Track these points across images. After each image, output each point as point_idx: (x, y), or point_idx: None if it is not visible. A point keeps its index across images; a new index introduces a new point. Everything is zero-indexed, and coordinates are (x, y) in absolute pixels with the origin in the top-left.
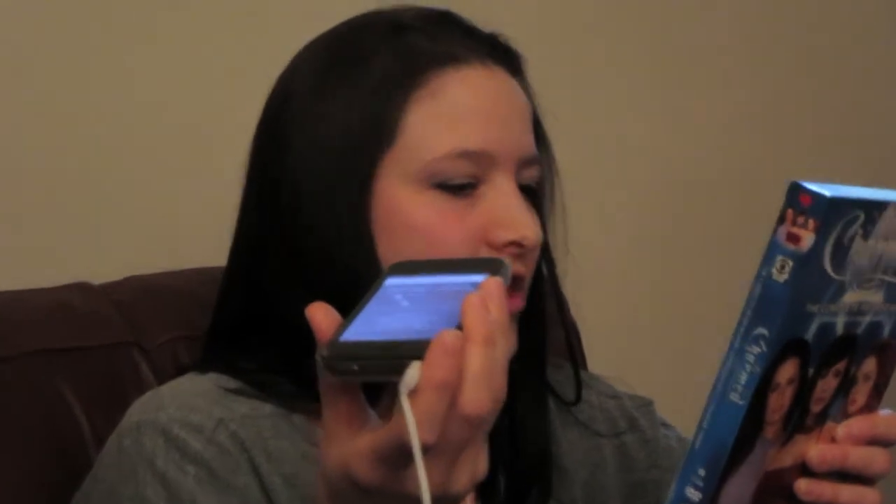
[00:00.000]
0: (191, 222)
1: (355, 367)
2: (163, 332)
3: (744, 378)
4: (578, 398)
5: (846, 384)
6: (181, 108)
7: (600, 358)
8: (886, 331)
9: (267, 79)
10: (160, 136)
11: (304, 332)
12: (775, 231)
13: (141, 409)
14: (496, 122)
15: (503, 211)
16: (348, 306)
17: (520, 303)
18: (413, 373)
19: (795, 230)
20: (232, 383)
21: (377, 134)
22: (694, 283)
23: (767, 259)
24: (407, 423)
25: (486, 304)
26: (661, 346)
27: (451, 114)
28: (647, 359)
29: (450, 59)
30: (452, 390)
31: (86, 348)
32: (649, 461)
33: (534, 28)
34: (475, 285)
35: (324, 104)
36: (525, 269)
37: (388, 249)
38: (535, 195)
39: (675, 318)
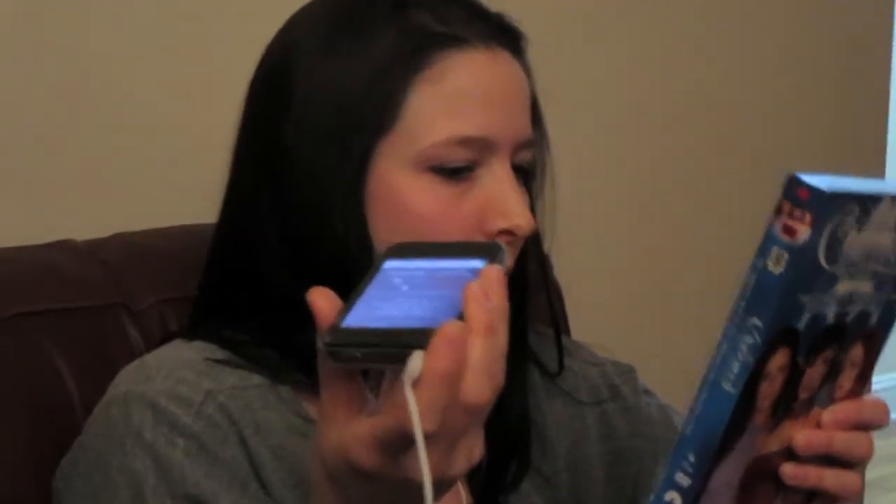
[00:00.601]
0: (176, 178)
1: (358, 355)
2: (150, 294)
3: (736, 367)
4: (561, 367)
5: (833, 371)
6: (167, 62)
7: (584, 326)
8: (874, 319)
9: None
10: (145, 89)
11: (293, 304)
12: (771, 222)
13: (129, 379)
14: (497, 108)
15: (498, 198)
16: (339, 282)
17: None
18: (416, 362)
19: (792, 223)
20: (219, 353)
21: (378, 113)
22: (680, 253)
23: (762, 250)
24: (410, 412)
25: (486, 292)
26: (646, 316)
27: (453, 98)
28: (630, 327)
29: (455, 42)
30: (455, 380)
31: (73, 310)
32: (630, 429)
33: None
34: (474, 271)
35: (326, 75)
36: (513, 255)
37: (381, 230)
38: (527, 175)
39: (660, 289)
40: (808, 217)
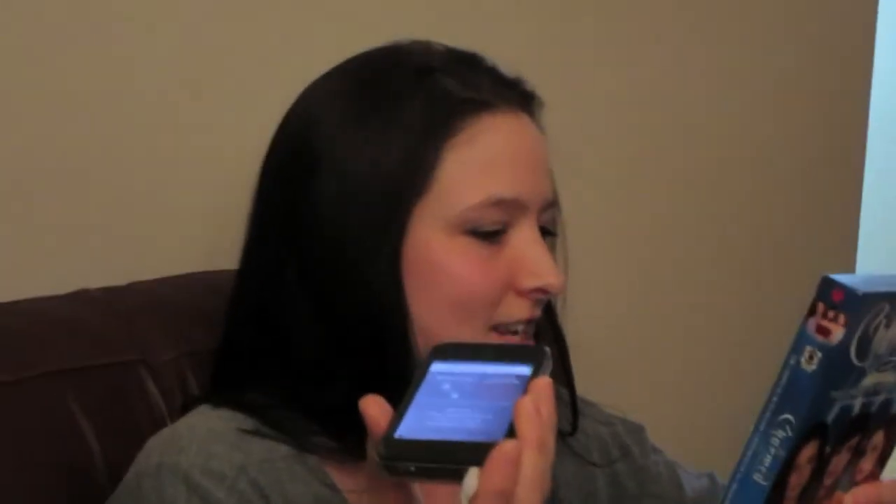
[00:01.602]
0: (186, 226)
1: (413, 469)
2: (168, 349)
3: (768, 460)
4: (574, 429)
5: (856, 456)
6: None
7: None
8: (895, 406)
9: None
10: (158, 135)
11: (320, 369)
12: (805, 321)
13: (160, 450)
14: (526, 170)
15: (530, 259)
16: (372, 347)
17: (531, 342)
18: (472, 481)
19: (826, 323)
20: (247, 422)
21: (412, 180)
22: (682, 287)
23: (796, 348)
24: None
25: (538, 408)
26: (649, 356)
27: (485, 161)
28: (637, 371)
29: (483, 107)
30: (508, 496)
31: (94, 367)
32: (640, 489)
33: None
34: (521, 378)
35: (357, 148)
36: (540, 311)
37: (417, 294)
38: (550, 234)
39: (663, 328)
40: (842, 318)
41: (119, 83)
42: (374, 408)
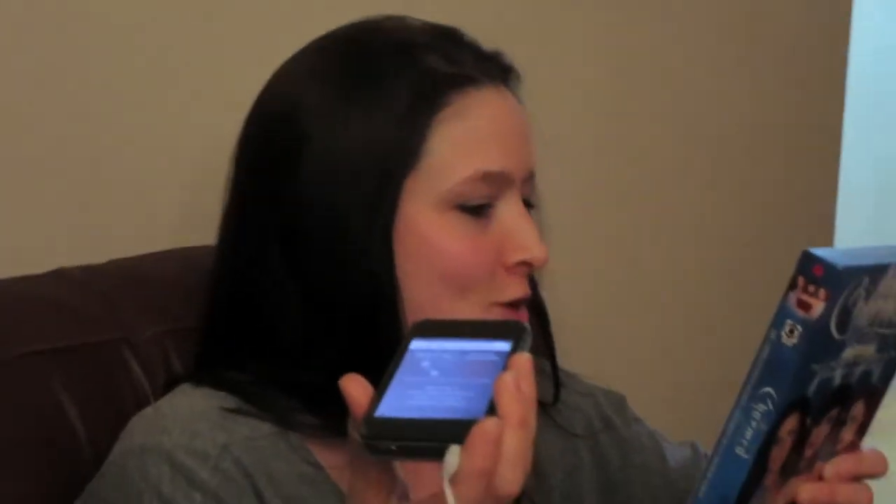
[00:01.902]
0: (163, 202)
1: (394, 448)
2: (150, 326)
3: (749, 434)
4: (556, 399)
5: (837, 427)
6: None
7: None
8: (875, 376)
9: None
10: (133, 113)
11: (303, 347)
12: (786, 296)
13: (144, 430)
14: (511, 142)
15: (515, 232)
16: (362, 328)
17: (526, 317)
18: (453, 458)
19: (806, 298)
20: (230, 401)
21: (402, 156)
22: (662, 260)
23: (777, 322)
24: None
25: (518, 384)
26: (629, 328)
27: (473, 136)
28: (617, 348)
29: (468, 82)
30: (490, 474)
31: (76, 347)
32: (622, 460)
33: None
34: (500, 354)
35: (342, 125)
36: (526, 283)
37: (408, 269)
38: (532, 206)
39: (643, 301)
40: (822, 293)
41: (92, 61)
42: (355, 387)
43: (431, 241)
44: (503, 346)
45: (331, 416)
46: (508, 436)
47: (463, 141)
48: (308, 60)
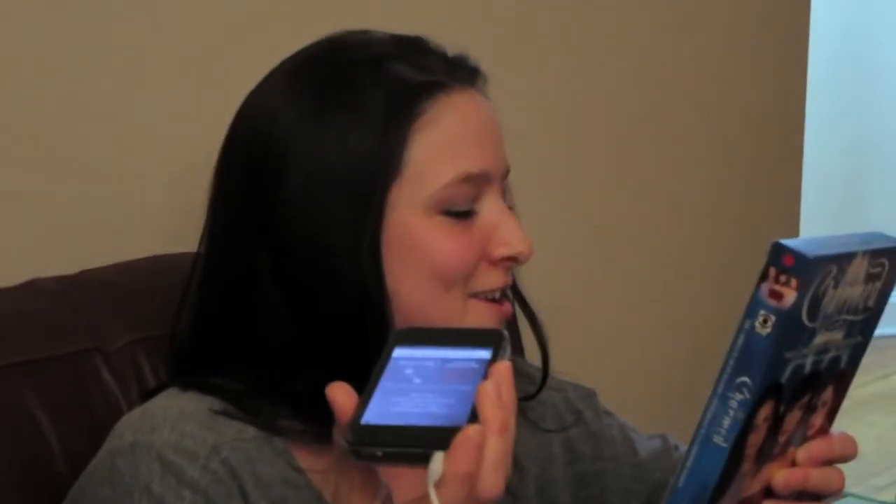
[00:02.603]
0: (134, 212)
1: (379, 454)
2: (122, 335)
3: (727, 422)
4: (540, 389)
5: (808, 412)
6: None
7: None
8: (843, 361)
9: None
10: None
11: (293, 359)
12: (758, 287)
13: (133, 428)
14: (487, 143)
15: (499, 228)
16: (353, 337)
17: (510, 308)
18: (438, 464)
19: (778, 288)
20: (217, 404)
21: (384, 167)
22: (634, 254)
23: (750, 312)
24: None
25: (499, 392)
26: (601, 321)
27: (450, 140)
28: (593, 342)
29: (439, 88)
30: (473, 478)
31: (50, 359)
32: (594, 453)
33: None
34: (481, 362)
35: (320, 142)
36: (511, 278)
37: (398, 273)
38: (510, 207)
39: (613, 294)
40: (793, 282)
41: (70, 69)
42: (340, 394)
43: (421, 244)
44: (483, 353)
45: (315, 422)
46: (491, 441)
47: (441, 146)
48: (280, 82)
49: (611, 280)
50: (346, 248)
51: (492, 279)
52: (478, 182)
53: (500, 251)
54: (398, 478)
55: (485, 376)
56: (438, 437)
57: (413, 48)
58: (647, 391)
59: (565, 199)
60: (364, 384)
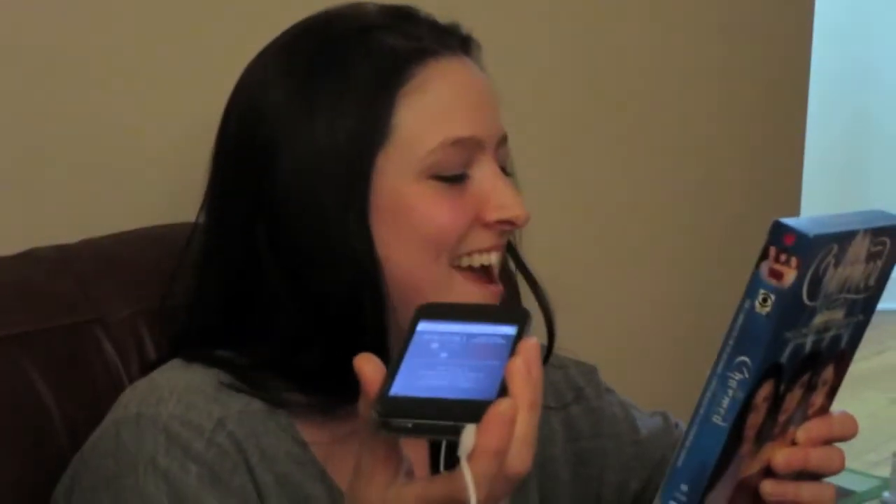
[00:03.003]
0: (134, 181)
1: (409, 426)
2: (123, 306)
3: (726, 402)
4: (546, 361)
5: (808, 392)
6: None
7: None
8: (844, 340)
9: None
10: (106, 92)
11: (295, 333)
12: (758, 266)
13: (139, 400)
14: (477, 108)
15: (492, 192)
16: (347, 307)
17: (501, 290)
18: (470, 437)
19: (778, 267)
20: (223, 376)
21: (370, 134)
22: (637, 229)
23: (750, 292)
24: (466, 485)
25: (529, 368)
26: (603, 297)
27: (438, 105)
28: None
29: (428, 54)
30: (504, 454)
31: (49, 329)
32: (594, 430)
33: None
34: (507, 338)
35: (310, 113)
36: (504, 241)
37: (388, 239)
38: (507, 173)
39: (615, 269)
40: (794, 261)
41: (68, 40)
42: (368, 366)
43: (411, 208)
44: (508, 329)
45: (320, 395)
46: (521, 417)
47: (429, 111)
48: (271, 57)
49: (611, 256)
50: (337, 217)
51: (482, 239)
52: (468, 147)
53: (494, 214)
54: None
55: (512, 352)
56: (470, 410)
57: (402, 17)
58: (648, 367)
59: (566, 176)
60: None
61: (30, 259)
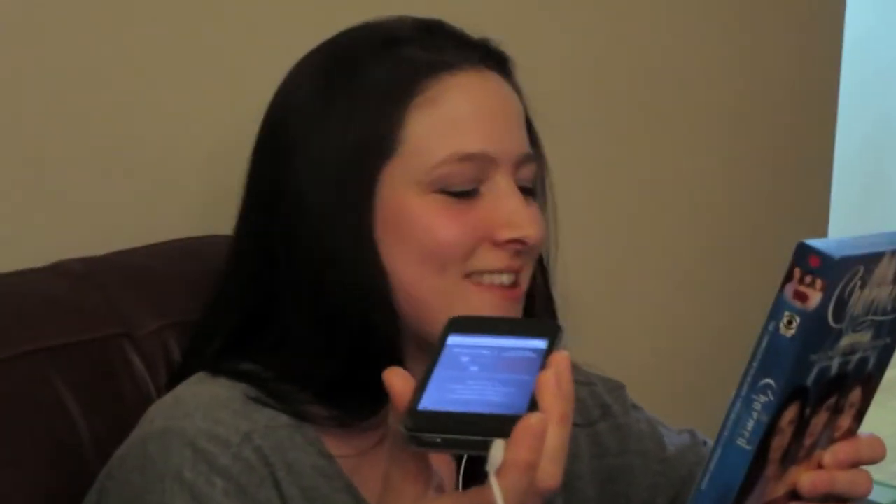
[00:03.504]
0: (162, 193)
1: (439, 441)
2: (151, 320)
3: (751, 425)
4: None
5: (834, 415)
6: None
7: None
8: (871, 363)
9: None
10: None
11: (313, 343)
12: (782, 288)
13: (165, 414)
14: (493, 124)
15: (505, 210)
16: (357, 317)
17: (519, 291)
18: (499, 452)
19: (803, 289)
20: (250, 390)
21: (379, 144)
22: (663, 259)
23: (774, 314)
24: (496, 500)
25: (559, 382)
26: (637, 320)
27: (449, 119)
28: (619, 337)
29: (444, 67)
30: (534, 468)
31: (79, 343)
32: (621, 447)
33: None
34: (538, 352)
35: (324, 119)
36: (523, 263)
37: (393, 252)
38: (533, 194)
39: (643, 294)
40: (819, 283)
41: (97, 46)
42: (397, 380)
43: (414, 220)
44: (539, 343)
45: (343, 408)
46: (551, 431)
47: (439, 124)
48: (306, 60)
49: (636, 270)
50: (345, 228)
51: (491, 259)
52: (479, 163)
53: (504, 233)
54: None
55: (542, 366)
56: (499, 425)
57: (428, 30)
58: (674, 385)
59: (589, 192)
60: (384, 366)
61: (57, 272)
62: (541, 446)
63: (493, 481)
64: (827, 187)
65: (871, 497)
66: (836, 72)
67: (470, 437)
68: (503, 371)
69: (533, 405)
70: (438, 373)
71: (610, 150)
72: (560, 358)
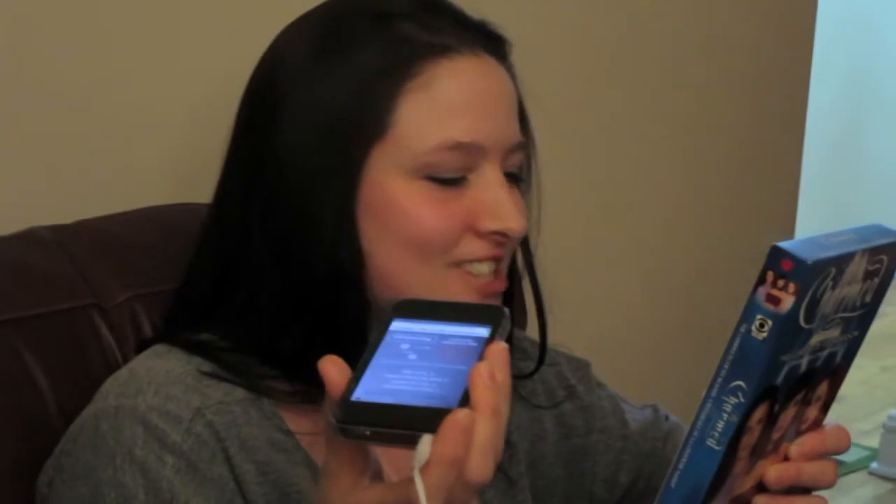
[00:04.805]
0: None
1: (367, 433)
2: (120, 291)
3: (721, 426)
4: (535, 371)
5: (802, 408)
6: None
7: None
8: (839, 357)
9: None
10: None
11: (278, 314)
12: (755, 290)
13: (118, 391)
14: (486, 114)
15: (491, 202)
16: (327, 293)
17: (502, 285)
18: (425, 448)
19: (776, 293)
20: (204, 364)
21: (368, 124)
22: (639, 237)
23: (746, 316)
24: (418, 496)
25: (493, 374)
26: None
27: (443, 106)
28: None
29: (442, 50)
30: (461, 462)
31: (47, 314)
32: (586, 427)
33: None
34: (479, 341)
35: (314, 89)
36: (505, 252)
37: (373, 236)
38: (518, 180)
39: (619, 274)
40: (791, 287)
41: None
42: (332, 368)
43: (397, 206)
44: (482, 331)
45: (305, 384)
46: (480, 425)
47: (431, 111)
48: (296, 26)
49: (606, 252)
50: (324, 204)
51: (474, 249)
52: (469, 152)
53: (488, 224)
54: (387, 451)
55: (480, 356)
56: (427, 419)
57: (427, 8)
58: (639, 359)
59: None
60: (353, 345)
61: (27, 240)
62: (468, 441)
63: (417, 478)
64: (796, 177)
65: (839, 456)
66: (811, 25)
67: (398, 430)
68: (441, 360)
69: (467, 398)
70: (376, 361)
71: (584, 138)
72: (497, 348)
